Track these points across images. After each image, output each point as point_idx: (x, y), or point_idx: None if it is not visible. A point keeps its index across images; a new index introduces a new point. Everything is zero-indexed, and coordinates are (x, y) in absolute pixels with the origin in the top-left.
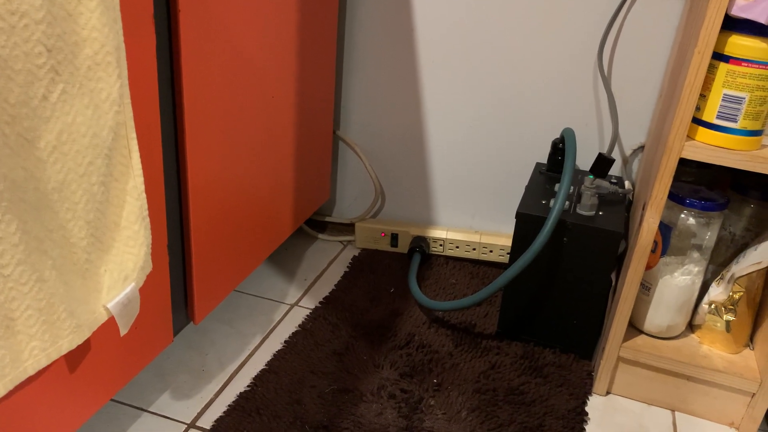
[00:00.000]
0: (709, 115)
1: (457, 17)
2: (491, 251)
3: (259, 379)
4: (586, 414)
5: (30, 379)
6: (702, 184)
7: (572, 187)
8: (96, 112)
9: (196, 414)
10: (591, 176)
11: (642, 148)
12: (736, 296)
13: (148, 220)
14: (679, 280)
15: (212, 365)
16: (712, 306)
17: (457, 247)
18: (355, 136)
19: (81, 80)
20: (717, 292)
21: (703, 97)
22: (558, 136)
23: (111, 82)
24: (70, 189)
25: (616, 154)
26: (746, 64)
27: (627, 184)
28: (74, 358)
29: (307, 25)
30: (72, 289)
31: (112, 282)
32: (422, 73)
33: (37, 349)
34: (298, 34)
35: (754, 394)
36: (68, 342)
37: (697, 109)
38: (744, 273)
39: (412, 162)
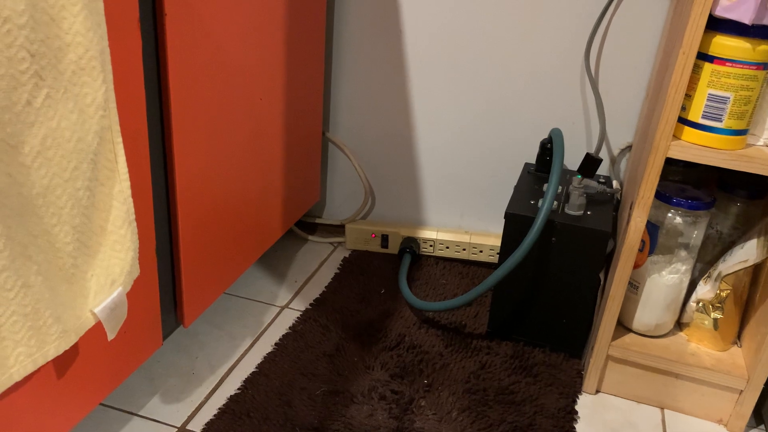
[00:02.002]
0: (695, 114)
1: (445, 18)
2: (481, 251)
3: (249, 382)
4: (576, 412)
5: (17, 385)
6: (689, 183)
7: (560, 187)
8: (81, 117)
9: (186, 417)
10: (579, 176)
11: (629, 147)
12: (724, 294)
13: (135, 224)
14: (666, 279)
15: (202, 368)
16: (700, 304)
17: (447, 247)
18: (345, 138)
19: (65, 85)
20: (704, 291)
21: (688, 97)
22: (546, 136)
23: (96, 87)
24: (55, 194)
25: (603, 154)
26: (730, 64)
27: (615, 183)
28: (62, 363)
29: (295, 27)
30: (58, 295)
31: (99, 287)
32: (411, 74)
33: (23, 355)
34: (286, 35)
35: (741, 390)
36: (55, 347)
37: (683, 108)
38: (731, 271)
39: (402, 163)
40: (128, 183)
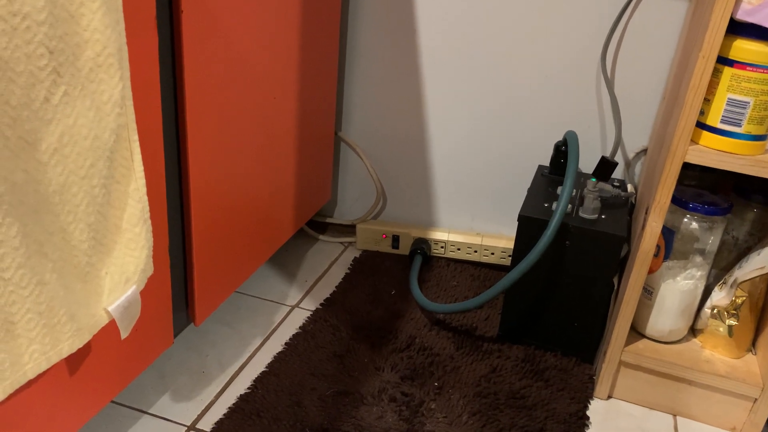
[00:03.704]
0: (714, 119)
1: (459, 19)
2: (493, 253)
3: (259, 381)
4: (588, 418)
5: (30, 382)
6: (705, 188)
7: (575, 190)
8: (98, 114)
9: (196, 416)
10: (593, 179)
11: (645, 151)
12: (739, 301)
13: (149, 222)
14: (681, 285)
15: (212, 367)
16: (715, 310)
17: (459, 249)
18: (357, 138)
19: (83, 82)
20: (720, 297)
21: (707, 101)
22: (561, 138)
23: (113, 84)
24: (71, 191)
25: (618, 158)
26: (751, 69)
27: (629, 187)
28: (74, 361)
29: (309, 26)
30: (72, 292)
31: (113, 285)
32: (424, 74)
33: (38, 352)
34: (300, 35)
35: (756, 399)
36: (69, 345)
37: (701, 113)
38: (747, 278)
39: (414, 163)
40: (144, 181)
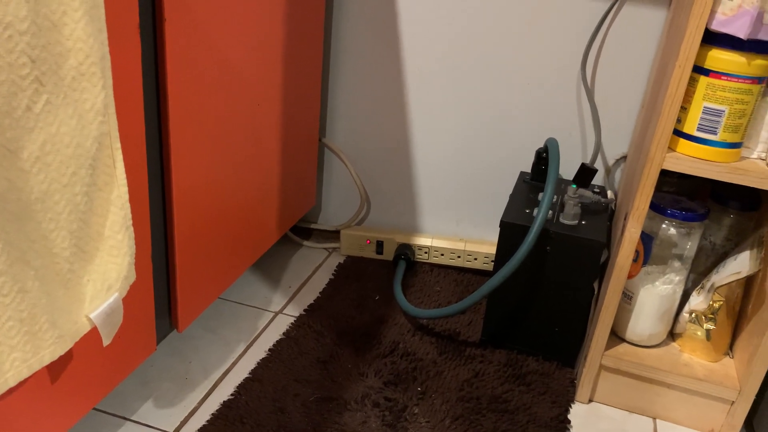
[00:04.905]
0: (690, 127)
1: (443, 27)
2: (476, 259)
3: (242, 388)
4: (569, 422)
5: (11, 390)
6: (683, 194)
7: (555, 197)
8: (80, 123)
9: (179, 422)
10: (574, 186)
11: (624, 158)
12: (716, 305)
13: (132, 229)
14: (660, 289)
15: (196, 373)
16: (693, 315)
17: (442, 254)
18: (341, 144)
19: (65, 90)
20: (697, 301)
21: (683, 109)
22: (542, 145)
23: (95, 93)
24: (53, 199)
25: (598, 164)
26: (726, 78)
27: (609, 193)
28: (56, 368)
29: (293, 33)
30: (54, 300)
31: (95, 292)
32: (408, 81)
33: (19, 360)
34: (285, 41)
35: (733, 401)
36: (50, 353)
37: (678, 121)
38: (724, 282)
39: (398, 169)
40: (126, 188)
